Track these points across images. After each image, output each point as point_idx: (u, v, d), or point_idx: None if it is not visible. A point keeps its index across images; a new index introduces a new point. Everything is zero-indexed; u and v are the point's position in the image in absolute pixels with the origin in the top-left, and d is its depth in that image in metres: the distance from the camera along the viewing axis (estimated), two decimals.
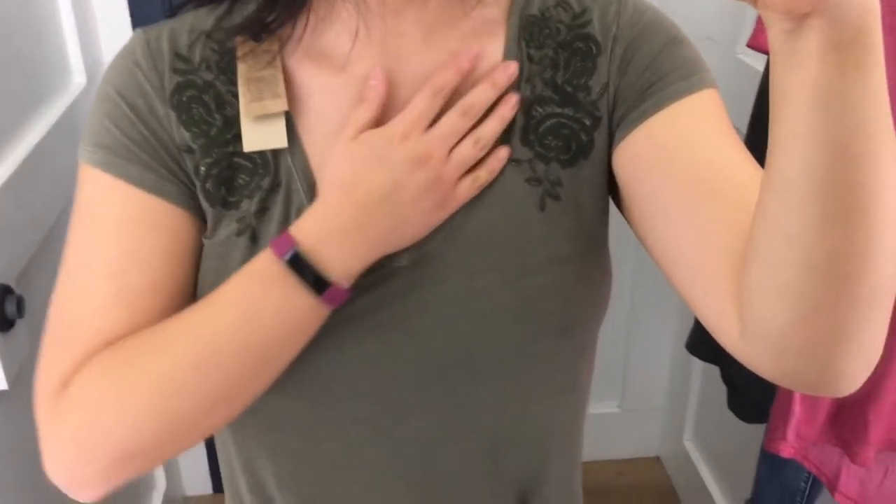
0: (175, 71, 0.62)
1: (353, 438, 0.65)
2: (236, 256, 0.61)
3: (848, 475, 1.08)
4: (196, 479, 1.95)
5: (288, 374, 0.60)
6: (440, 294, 0.60)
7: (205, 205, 0.62)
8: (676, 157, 0.56)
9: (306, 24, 0.61)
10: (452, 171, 0.59)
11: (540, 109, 0.61)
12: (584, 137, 0.61)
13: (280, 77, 0.61)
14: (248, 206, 0.61)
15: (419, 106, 0.59)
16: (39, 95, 1.26)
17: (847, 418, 1.06)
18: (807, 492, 1.17)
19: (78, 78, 1.42)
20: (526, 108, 0.61)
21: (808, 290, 0.45)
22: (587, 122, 0.61)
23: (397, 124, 0.59)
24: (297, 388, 0.62)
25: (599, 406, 2.00)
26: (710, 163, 0.55)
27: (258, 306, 0.57)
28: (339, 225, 0.57)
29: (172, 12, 0.67)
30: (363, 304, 0.60)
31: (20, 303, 1.05)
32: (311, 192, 0.61)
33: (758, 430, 1.28)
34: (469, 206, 0.60)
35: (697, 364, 1.81)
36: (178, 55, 0.62)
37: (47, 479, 1.35)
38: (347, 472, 0.67)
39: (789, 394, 1.08)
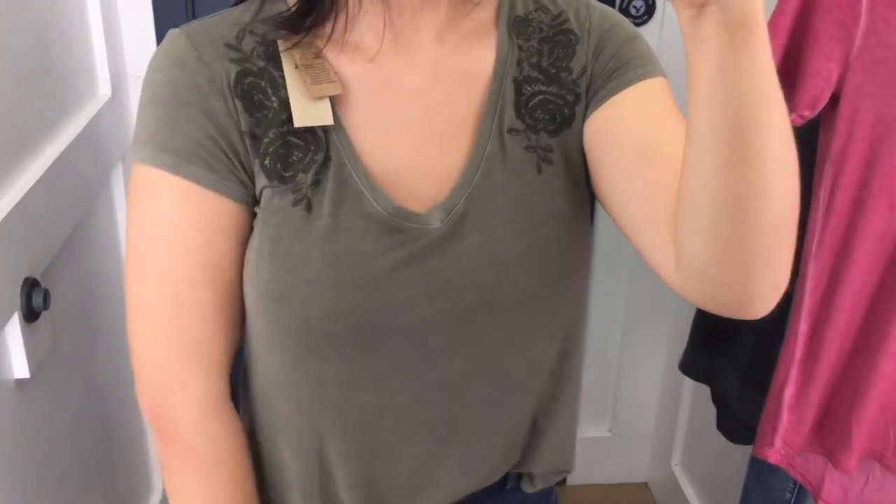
0: (231, 60, 0.68)
1: (387, 386, 0.72)
2: (292, 224, 0.67)
3: (831, 482, 1.13)
4: None
5: (338, 322, 0.67)
6: (466, 247, 0.69)
7: (262, 180, 0.68)
8: (633, 127, 0.68)
9: (345, 24, 0.69)
10: None
11: (528, 88, 0.72)
12: (566, 111, 0.72)
13: (328, 65, 0.68)
14: (304, 178, 0.68)
15: None
16: (67, 104, 1.32)
17: (831, 426, 1.10)
18: (792, 501, 1.21)
19: (103, 89, 1.47)
20: (517, 86, 0.72)
21: (719, 227, 0.55)
22: (569, 98, 0.72)
23: None
24: (347, 338, 0.69)
25: (590, 430, 2.04)
26: (659, 133, 0.67)
27: None
28: None
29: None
30: (408, 258, 0.68)
31: (46, 296, 1.10)
32: (359, 167, 0.68)
33: (746, 455, 1.32)
34: (483, 170, 0.70)
35: (687, 390, 1.85)
36: (229, 46, 0.68)
37: (65, 465, 1.39)
38: (380, 422, 0.73)
39: (778, 403, 1.13)
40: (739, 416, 1.35)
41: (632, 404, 2.02)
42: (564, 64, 0.72)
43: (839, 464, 1.09)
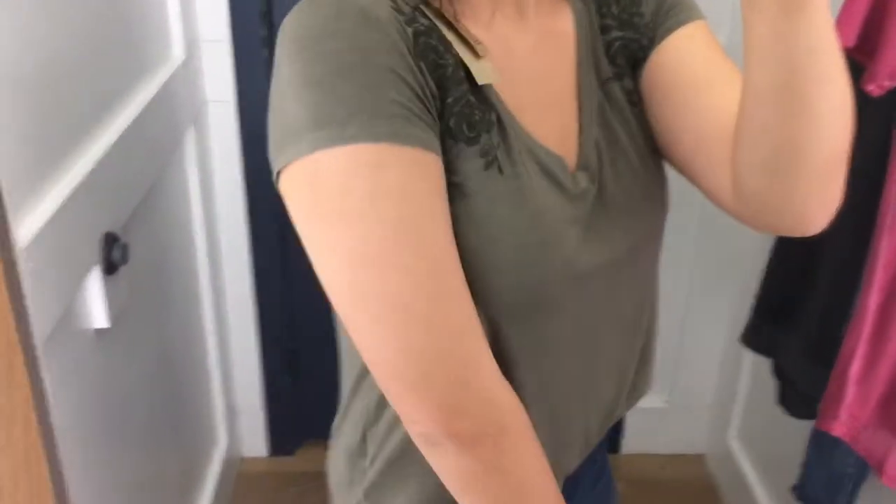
0: (404, 23, 0.63)
1: (556, 346, 0.73)
2: (489, 189, 0.65)
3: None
4: (254, 442, 2.04)
5: (547, 285, 0.68)
6: (608, 198, 0.73)
7: (448, 142, 0.64)
8: (685, 62, 0.73)
9: None
10: None
11: (605, 36, 0.76)
12: (640, 54, 0.76)
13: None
14: (489, 139, 0.66)
15: None
16: (142, 67, 1.36)
17: None
18: (854, 477, 1.20)
19: (177, 52, 1.51)
20: (601, 36, 0.76)
21: (774, 165, 0.61)
22: (644, 42, 0.76)
23: None
24: (544, 301, 0.69)
25: (647, 400, 2.02)
26: (708, 68, 0.72)
27: None
28: None
29: None
30: (575, 214, 0.70)
31: (125, 250, 1.14)
32: (521, 126, 0.68)
33: (804, 430, 1.31)
34: (598, 122, 0.74)
35: (747, 363, 1.84)
36: (394, 8, 0.63)
37: (140, 413, 1.45)
38: (549, 385, 0.74)
39: (844, 378, 1.11)
40: (802, 391, 1.34)
41: (690, 376, 2.01)
42: (636, 9, 0.77)
43: None
